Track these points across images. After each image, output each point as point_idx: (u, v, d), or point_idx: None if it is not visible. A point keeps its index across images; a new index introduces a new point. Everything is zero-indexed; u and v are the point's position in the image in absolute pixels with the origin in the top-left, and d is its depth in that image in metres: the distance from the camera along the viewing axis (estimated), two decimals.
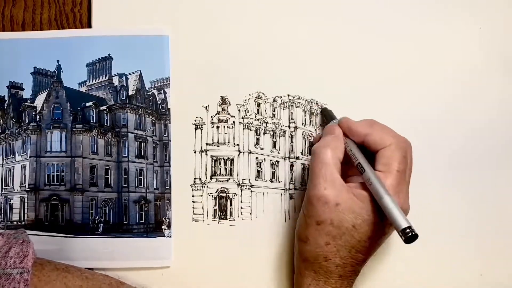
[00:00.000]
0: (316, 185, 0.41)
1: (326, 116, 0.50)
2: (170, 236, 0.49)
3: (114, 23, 0.50)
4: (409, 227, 0.37)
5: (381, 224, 0.41)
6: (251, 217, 0.51)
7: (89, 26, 0.50)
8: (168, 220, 0.50)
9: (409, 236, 0.37)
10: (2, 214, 0.50)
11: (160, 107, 0.51)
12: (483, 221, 0.51)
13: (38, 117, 0.51)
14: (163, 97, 0.51)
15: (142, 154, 0.51)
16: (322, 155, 0.42)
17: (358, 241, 0.41)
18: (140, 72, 0.50)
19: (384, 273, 0.50)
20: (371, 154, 0.43)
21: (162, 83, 0.50)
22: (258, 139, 0.52)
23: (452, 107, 0.51)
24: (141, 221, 0.50)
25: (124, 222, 0.50)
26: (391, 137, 0.43)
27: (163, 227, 0.50)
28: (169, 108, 0.50)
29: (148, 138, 0.51)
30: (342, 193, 0.41)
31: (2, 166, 0.50)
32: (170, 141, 0.50)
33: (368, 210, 0.41)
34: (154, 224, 0.50)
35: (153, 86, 0.51)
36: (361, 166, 0.42)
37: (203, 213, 0.50)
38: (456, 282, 0.50)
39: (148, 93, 0.51)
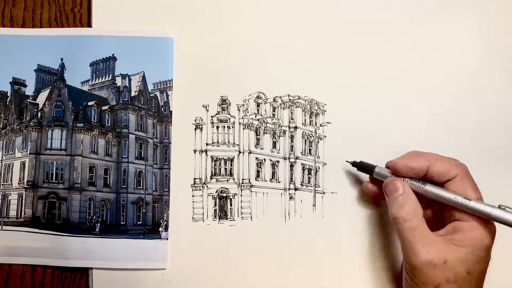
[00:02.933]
0: (416, 252, 0.40)
1: (363, 169, 0.47)
2: (167, 239, 0.49)
3: (114, 23, 0.51)
4: None
5: (488, 251, 0.41)
6: (251, 217, 0.50)
7: (89, 26, 0.51)
8: (165, 223, 0.49)
9: None
10: None
11: (162, 109, 0.51)
12: None
13: (39, 114, 0.51)
14: (165, 100, 0.51)
15: (142, 155, 0.51)
16: (407, 220, 0.41)
17: (476, 282, 0.40)
18: (144, 73, 0.51)
19: (384, 272, 0.49)
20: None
21: (164, 86, 0.51)
22: (258, 139, 0.52)
23: (452, 107, 0.51)
24: (138, 223, 0.50)
25: (122, 223, 0.50)
26: (454, 166, 0.42)
27: (160, 229, 0.49)
28: (171, 111, 0.51)
29: (148, 139, 0.51)
30: (444, 248, 0.40)
31: (1, 162, 0.50)
32: (170, 143, 0.50)
33: (474, 249, 0.40)
34: (151, 226, 0.49)
35: (155, 88, 0.51)
36: (447, 198, 0.41)
37: (203, 213, 0.50)
38: None
39: (151, 95, 0.51)
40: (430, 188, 0.42)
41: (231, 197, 0.50)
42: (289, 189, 0.51)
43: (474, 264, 0.40)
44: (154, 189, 0.50)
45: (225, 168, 0.51)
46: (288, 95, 0.51)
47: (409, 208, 0.41)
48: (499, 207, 0.40)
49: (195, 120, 0.51)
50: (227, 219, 0.50)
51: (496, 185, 0.50)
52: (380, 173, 0.45)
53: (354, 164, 0.48)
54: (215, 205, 0.50)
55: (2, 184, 0.50)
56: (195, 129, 0.51)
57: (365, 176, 0.49)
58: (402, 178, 0.43)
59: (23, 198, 0.49)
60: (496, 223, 0.41)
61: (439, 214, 0.44)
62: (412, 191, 0.43)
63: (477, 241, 0.40)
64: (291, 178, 0.51)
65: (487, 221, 0.41)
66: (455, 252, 0.40)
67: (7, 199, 0.50)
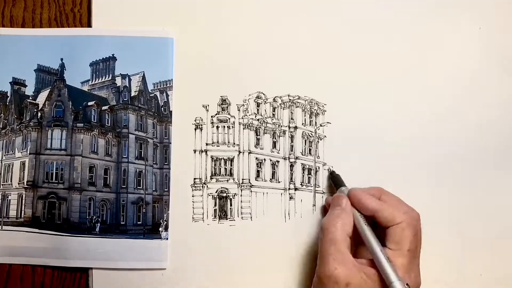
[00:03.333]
0: (326, 264, 0.41)
1: (334, 182, 0.49)
2: (167, 239, 0.49)
3: (114, 23, 0.51)
4: None
5: None
6: (251, 217, 0.50)
7: (89, 26, 0.51)
8: (165, 223, 0.49)
9: None
10: None
11: (162, 109, 0.51)
12: (483, 221, 0.50)
13: (39, 114, 0.51)
14: (165, 100, 0.51)
15: (142, 155, 0.51)
16: (331, 233, 0.42)
17: None
18: (144, 73, 0.51)
19: None
20: (380, 226, 0.43)
21: (164, 86, 0.51)
22: (258, 139, 0.52)
23: (452, 107, 0.51)
24: (138, 223, 0.50)
25: (122, 223, 0.50)
26: (402, 214, 0.42)
27: (160, 229, 0.49)
28: (171, 111, 0.51)
29: (148, 139, 0.51)
30: (353, 272, 0.40)
31: (1, 162, 0.50)
32: (170, 143, 0.50)
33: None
34: (151, 226, 0.49)
35: (155, 88, 0.51)
36: (371, 246, 0.41)
37: (203, 213, 0.50)
38: (456, 282, 0.49)
39: (151, 95, 0.51)
40: (362, 226, 0.43)
41: (231, 197, 0.50)
42: (289, 189, 0.51)
43: None
44: (154, 189, 0.50)
45: (225, 168, 0.51)
46: (288, 95, 0.51)
47: (339, 223, 0.42)
48: (407, 284, 0.39)
49: (195, 120, 0.51)
50: (227, 219, 0.50)
51: (496, 185, 0.50)
52: (342, 191, 0.46)
53: (331, 173, 0.50)
54: (215, 205, 0.50)
55: (2, 184, 0.50)
56: (195, 129, 0.51)
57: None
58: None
59: (23, 198, 0.49)
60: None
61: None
62: (353, 219, 0.43)
63: (381, 283, 0.40)
64: (291, 178, 0.51)
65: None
66: (360, 280, 0.40)
67: (7, 199, 0.50)
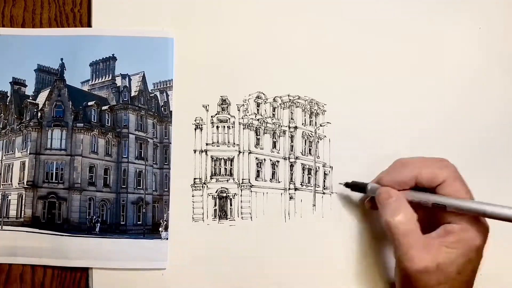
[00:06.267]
0: (412, 259, 0.40)
1: (355, 188, 0.48)
2: (167, 239, 0.49)
3: (114, 23, 0.51)
4: None
5: (479, 252, 0.41)
6: (251, 217, 0.50)
7: (89, 26, 0.51)
8: (165, 223, 0.49)
9: None
10: None
11: (162, 109, 0.51)
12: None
13: (39, 114, 0.51)
14: (165, 99, 0.51)
15: (142, 155, 0.51)
16: (400, 226, 0.41)
17: (466, 281, 0.41)
18: (144, 73, 0.51)
19: (384, 272, 0.49)
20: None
21: (165, 85, 0.51)
22: (258, 139, 0.52)
23: (452, 107, 0.51)
24: (138, 223, 0.50)
25: (122, 223, 0.50)
26: (441, 170, 0.42)
27: (160, 229, 0.49)
28: (171, 111, 0.51)
29: (148, 139, 0.51)
30: (437, 252, 0.40)
31: (1, 162, 0.50)
32: (170, 143, 0.50)
33: (464, 251, 0.40)
34: (151, 226, 0.49)
35: (155, 88, 0.51)
36: (440, 204, 0.41)
37: (203, 213, 0.49)
38: None
39: (151, 95, 0.51)
40: (421, 196, 0.42)
41: (231, 197, 0.50)
42: (289, 189, 0.51)
43: (465, 264, 0.40)
44: (154, 189, 0.50)
45: (225, 168, 0.51)
46: (288, 95, 0.51)
47: (403, 213, 0.42)
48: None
49: (195, 120, 0.51)
50: (227, 219, 0.50)
51: (496, 185, 0.50)
52: (372, 190, 0.45)
53: (346, 185, 0.48)
54: (215, 205, 0.50)
55: (2, 184, 0.50)
56: (195, 129, 0.51)
57: None
58: None
59: (23, 198, 0.49)
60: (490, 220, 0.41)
61: (428, 217, 0.43)
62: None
63: (468, 242, 0.40)
64: (291, 178, 0.51)
65: (479, 222, 0.41)
66: (447, 254, 0.40)
67: (7, 199, 0.50)
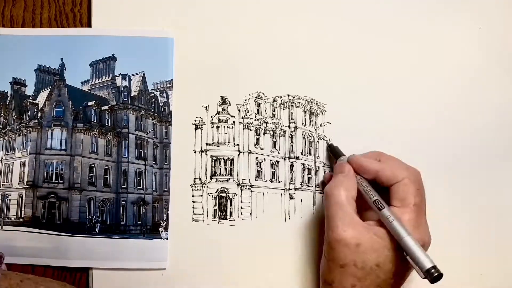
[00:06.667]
0: (334, 228, 0.41)
1: (333, 153, 0.49)
2: (167, 239, 0.49)
3: (114, 23, 0.51)
4: (434, 267, 0.37)
5: (405, 258, 0.40)
6: (251, 217, 0.50)
7: (89, 26, 0.51)
8: (165, 223, 0.49)
9: (435, 276, 0.37)
10: None
11: (162, 109, 0.51)
12: (483, 221, 0.50)
13: (39, 114, 0.51)
14: (165, 99, 0.51)
15: (142, 155, 0.51)
16: (336, 196, 0.42)
17: (383, 279, 0.40)
18: (144, 73, 0.51)
19: None
20: (383, 188, 0.43)
21: (165, 85, 0.51)
22: (258, 139, 0.52)
23: (452, 107, 0.51)
24: (138, 223, 0.50)
25: (121, 223, 0.50)
26: (403, 171, 0.43)
27: (160, 229, 0.49)
28: (171, 111, 0.51)
29: (148, 139, 0.51)
30: (362, 233, 0.40)
31: (1, 162, 0.50)
32: (170, 143, 0.50)
33: (390, 247, 0.40)
34: (151, 226, 0.49)
35: (155, 88, 0.51)
36: (379, 203, 0.42)
37: (203, 213, 0.50)
38: (456, 282, 0.48)
39: (151, 95, 0.51)
40: (368, 190, 0.43)
41: (231, 197, 0.50)
42: (289, 189, 0.51)
43: (386, 259, 0.40)
44: (154, 189, 0.50)
45: (225, 168, 0.51)
46: (288, 95, 0.51)
47: (343, 187, 0.43)
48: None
49: (195, 120, 0.51)
50: (227, 219, 0.50)
51: (496, 185, 0.50)
52: (341, 160, 0.47)
53: (329, 145, 0.50)
54: (215, 205, 0.50)
55: (2, 184, 0.50)
56: (195, 129, 0.51)
57: None
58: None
59: (23, 198, 0.49)
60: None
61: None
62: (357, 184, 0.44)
63: (391, 239, 0.40)
64: (291, 178, 0.51)
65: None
66: (370, 239, 0.40)
67: (7, 199, 0.50)
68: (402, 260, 0.40)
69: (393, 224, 0.40)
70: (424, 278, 0.38)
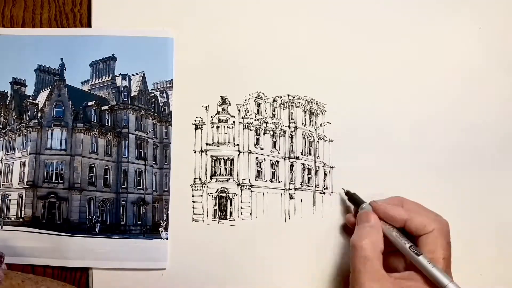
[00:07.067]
0: (361, 284, 0.40)
1: (353, 201, 0.48)
2: (167, 239, 0.49)
3: (114, 23, 0.51)
4: None
5: None
6: (251, 217, 0.50)
7: (89, 26, 0.51)
8: (165, 223, 0.49)
9: None
10: None
11: (162, 109, 0.51)
12: (483, 221, 0.50)
13: (39, 114, 0.51)
14: (165, 99, 0.51)
15: (142, 155, 0.51)
16: (363, 250, 0.41)
17: None
18: (144, 73, 0.51)
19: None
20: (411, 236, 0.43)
21: (164, 85, 0.51)
22: (258, 139, 0.52)
23: (452, 107, 0.51)
24: (138, 223, 0.50)
25: (121, 223, 0.50)
26: (432, 222, 0.42)
27: (160, 229, 0.49)
28: (171, 111, 0.51)
29: (148, 139, 0.51)
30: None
31: (1, 162, 0.50)
32: (170, 143, 0.50)
33: None
34: (151, 226, 0.49)
35: (155, 88, 0.51)
36: (415, 249, 0.41)
37: (203, 213, 0.49)
38: (456, 282, 0.48)
39: (151, 95, 0.51)
40: (394, 235, 0.43)
41: (231, 197, 0.50)
42: (289, 189, 0.51)
43: None
44: (154, 189, 0.50)
45: (225, 168, 0.51)
46: (288, 95, 0.51)
47: (370, 240, 0.42)
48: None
49: (195, 120, 0.51)
50: (227, 219, 0.50)
51: (496, 184, 0.50)
52: (365, 208, 0.46)
53: (347, 193, 0.49)
54: (215, 205, 0.50)
55: (2, 184, 0.50)
56: (195, 129, 0.51)
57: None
58: None
59: (23, 198, 0.49)
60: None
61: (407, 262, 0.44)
62: (383, 232, 0.43)
63: None
64: (291, 178, 0.51)
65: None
66: None
67: (7, 199, 0.50)
68: None
69: (435, 270, 0.39)
70: None
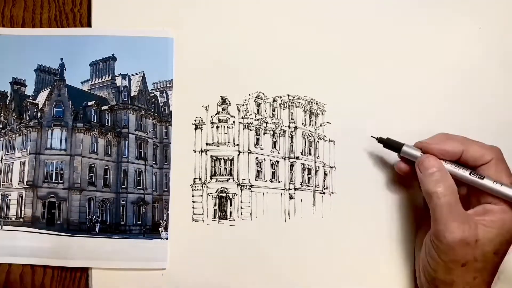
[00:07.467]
0: (452, 230, 0.40)
1: (390, 146, 0.47)
2: (167, 239, 0.49)
3: (114, 23, 0.51)
4: None
5: None
6: (251, 217, 0.50)
7: (89, 26, 0.51)
8: (165, 223, 0.49)
9: None
10: None
11: (162, 109, 0.51)
12: None
13: (39, 114, 0.51)
14: (165, 99, 0.51)
15: (142, 155, 0.51)
16: (445, 195, 0.41)
17: (499, 262, 0.40)
18: (143, 73, 0.51)
19: (384, 271, 0.49)
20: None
21: (164, 85, 0.51)
22: (258, 139, 0.52)
23: (452, 107, 0.51)
24: (138, 223, 0.50)
25: (121, 223, 0.50)
26: (489, 151, 0.42)
27: (160, 229, 0.49)
28: (171, 111, 0.51)
29: (148, 139, 0.51)
30: (477, 227, 0.40)
31: (1, 162, 0.50)
32: (170, 143, 0.50)
33: (503, 232, 0.40)
34: (151, 226, 0.49)
35: (155, 88, 0.51)
36: (477, 174, 0.41)
37: (203, 213, 0.49)
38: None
39: (151, 95, 0.51)
40: (461, 172, 0.42)
41: (231, 197, 0.50)
42: (289, 189, 0.51)
43: (502, 245, 0.40)
44: (154, 189, 0.50)
45: (225, 168, 0.51)
46: (288, 95, 0.51)
47: (446, 184, 0.41)
48: None
49: (195, 120, 0.51)
50: (227, 219, 0.50)
51: None
52: (409, 152, 0.45)
53: (380, 140, 0.47)
54: (215, 205, 0.50)
55: (2, 184, 0.50)
56: (195, 129, 0.51)
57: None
58: None
59: (23, 198, 0.49)
60: None
61: (466, 195, 0.44)
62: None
63: (506, 223, 0.40)
64: (291, 178, 0.51)
65: None
66: (485, 232, 0.40)
67: (7, 199, 0.50)
68: None
69: (503, 188, 0.40)
70: None
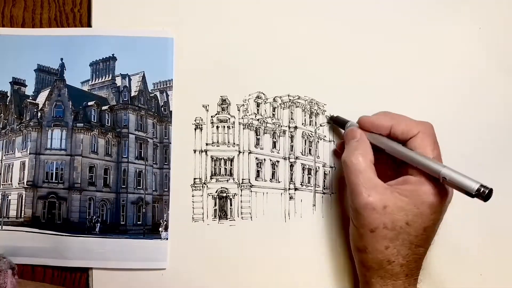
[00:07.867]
0: (359, 194, 0.41)
1: (338, 123, 0.50)
2: (167, 239, 0.49)
3: (114, 23, 0.51)
4: (482, 185, 0.38)
5: (433, 210, 0.41)
6: (251, 217, 0.50)
7: (89, 26, 0.51)
8: (165, 223, 0.49)
9: (486, 193, 0.37)
10: None
11: (162, 109, 0.51)
12: (483, 221, 0.50)
13: (39, 114, 0.51)
14: (165, 99, 0.51)
15: (142, 155, 0.51)
16: (355, 163, 0.42)
17: (415, 236, 0.41)
18: (144, 73, 0.51)
19: None
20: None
21: (164, 85, 0.51)
22: (258, 139, 0.52)
23: (452, 107, 0.51)
24: (138, 223, 0.50)
25: (121, 223, 0.50)
26: (417, 125, 0.43)
27: (160, 229, 0.49)
28: (171, 111, 0.51)
29: (148, 139, 0.51)
30: (386, 194, 0.41)
31: (1, 162, 0.50)
32: (170, 143, 0.50)
33: (416, 202, 0.41)
34: (151, 226, 0.49)
35: (155, 88, 0.51)
36: (402, 151, 0.42)
37: (203, 213, 0.50)
38: (456, 282, 0.49)
39: (151, 95, 0.51)
40: (384, 140, 0.44)
41: (231, 197, 0.50)
42: (289, 189, 0.51)
43: (414, 216, 0.40)
44: (154, 189, 0.50)
45: (225, 168, 0.51)
46: (288, 95, 0.51)
47: (359, 152, 0.43)
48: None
49: (195, 120, 0.51)
50: (227, 219, 0.50)
51: (496, 185, 0.50)
52: (349, 126, 0.47)
53: (331, 118, 0.50)
54: (215, 205, 0.50)
55: (2, 184, 0.50)
56: (195, 129, 0.51)
57: None
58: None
59: (23, 198, 0.49)
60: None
61: (395, 169, 0.45)
62: (371, 144, 0.44)
63: (421, 195, 0.41)
64: (291, 178, 0.51)
65: (440, 183, 0.41)
66: (396, 200, 0.41)
67: (7, 199, 0.50)
68: (431, 213, 0.41)
69: (427, 160, 0.40)
70: (474, 197, 0.38)
